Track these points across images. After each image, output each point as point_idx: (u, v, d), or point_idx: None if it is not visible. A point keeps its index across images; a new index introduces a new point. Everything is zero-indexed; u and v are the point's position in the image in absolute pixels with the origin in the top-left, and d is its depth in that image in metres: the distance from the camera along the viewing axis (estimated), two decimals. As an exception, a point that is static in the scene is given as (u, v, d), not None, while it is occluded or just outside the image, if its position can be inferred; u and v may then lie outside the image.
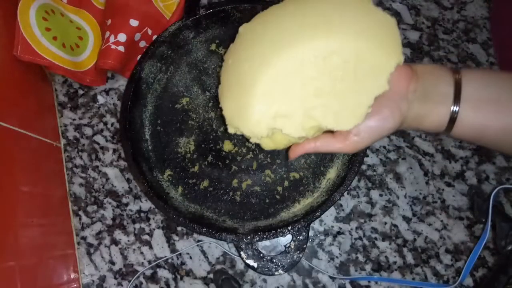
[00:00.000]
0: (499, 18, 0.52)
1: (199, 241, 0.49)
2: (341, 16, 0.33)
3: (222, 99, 0.37)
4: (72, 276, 0.48)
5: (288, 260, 0.42)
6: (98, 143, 0.52)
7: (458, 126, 0.32)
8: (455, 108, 0.32)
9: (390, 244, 0.48)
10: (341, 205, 0.50)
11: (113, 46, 0.47)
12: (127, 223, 0.50)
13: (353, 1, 0.34)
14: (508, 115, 0.31)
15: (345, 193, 0.48)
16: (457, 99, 0.31)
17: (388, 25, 0.34)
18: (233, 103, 0.36)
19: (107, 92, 0.54)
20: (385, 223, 0.49)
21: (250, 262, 0.42)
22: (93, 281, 0.49)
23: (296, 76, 0.33)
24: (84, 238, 0.50)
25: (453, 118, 0.32)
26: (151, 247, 0.49)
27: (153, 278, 0.49)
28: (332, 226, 0.49)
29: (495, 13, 0.53)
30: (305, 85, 0.33)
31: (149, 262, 0.49)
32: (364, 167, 0.50)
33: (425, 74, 0.33)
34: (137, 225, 0.50)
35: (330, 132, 0.34)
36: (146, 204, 0.50)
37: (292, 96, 0.33)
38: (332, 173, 0.47)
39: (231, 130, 0.37)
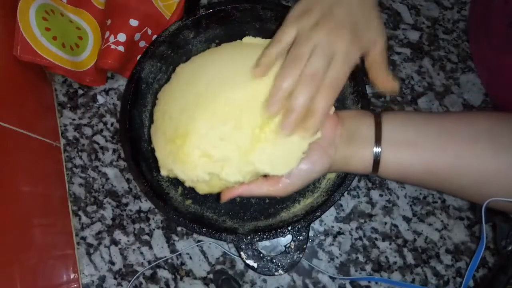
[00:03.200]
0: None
1: (199, 241, 0.49)
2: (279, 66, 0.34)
3: (155, 139, 0.37)
4: (72, 276, 0.48)
5: (288, 260, 0.42)
6: (98, 143, 0.52)
7: (382, 166, 0.35)
8: (377, 150, 0.34)
9: (390, 244, 0.48)
10: (341, 205, 0.50)
11: (113, 46, 0.47)
12: (127, 223, 0.50)
13: None
14: (425, 156, 0.33)
15: (345, 193, 0.48)
16: (378, 141, 0.34)
17: None
18: (167, 144, 0.35)
19: (107, 92, 0.54)
20: (385, 223, 0.49)
21: (250, 262, 0.42)
22: (93, 281, 0.49)
23: (233, 121, 0.33)
24: (83, 238, 0.50)
25: (376, 159, 0.34)
26: (151, 247, 0.49)
27: (153, 278, 0.49)
28: (332, 226, 0.49)
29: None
30: (242, 130, 0.33)
31: (149, 262, 0.49)
32: (364, 167, 0.50)
33: (349, 119, 0.36)
34: (137, 225, 0.50)
35: (263, 175, 0.35)
36: (146, 204, 0.50)
37: (229, 141, 0.33)
38: (332, 173, 0.47)
39: (163, 172, 0.36)
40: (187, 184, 0.35)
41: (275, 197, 0.36)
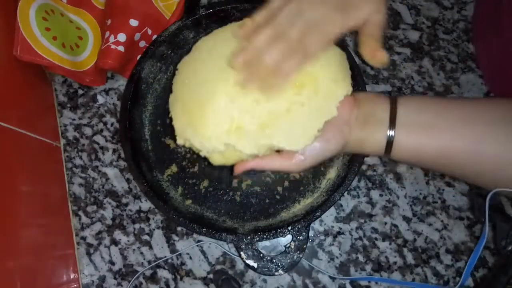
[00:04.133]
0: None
1: (199, 241, 0.49)
2: None
3: (173, 109, 0.37)
4: (72, 276, 0.48)
5: (288, 260, 0.42)
6: (98, 143, 0.52)
7: (395, 149, 0.35)
8: (391, 133, 0.34)
9: (390, 244, 0.48)
10: (341, 205, 0.50)
11: (113, 46, 0.47)
12: (127, 223, 0.50)
13: None
14: (442, 139, 0.33)
15: (345, 193, 0.48)
16: (392, 124, 0.34)
17: (340, 59, 0.37)
18: (185, 115, 0.36)
19: (107, 92, 0.54)
20: (385, 223, 0.49)
21: (250, 262, 0.42)
22: (93, 281, 0.49)
23: (253, 95, 0.34)
24: (83, 238, 0.50)
25: (390, 142, 0.34)
26: (151, 247, 0.49)
27: (153, 278, 0.49)
28: (332, 226, 0.49)
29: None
30: (260, 104, 0.34)
31: (149, 262, 0.49)
32: (364, 167, 0.50)
33: (365, 102, 0.36)
34: (137, 225, 0.50)
35: (277, 151, 0.36)
36: (146, 204, 0.50)
37: (247, 114, 0.34)
38: (332, 173, 0.47)
39: (180, 141, 0.36)
40: (202, 153, 0.36)
41: (287, 172, 0.37)
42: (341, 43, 0.46)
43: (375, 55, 0.34)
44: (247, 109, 0.34)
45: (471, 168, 0.34)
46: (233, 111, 0.34)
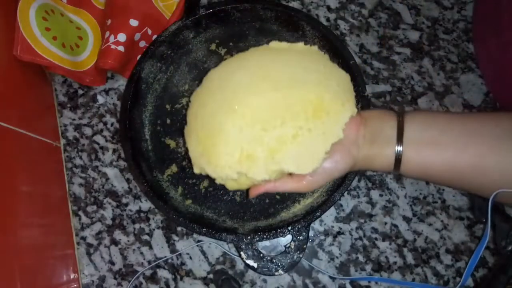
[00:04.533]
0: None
1: (199, 241, 0.49)
2: (305, 70, 0.37)
3: (188, 140, 0.39)
4: (72, 276, 0.48)
5: (288, 260, 0.42)
6: (98, 143, 0.52)
7: (404, 165, 0.36)
8: (399, 149, 0.35)
9: (390, 244, 0.48)
10: (341, 205, 0.50)
11: (113, 46, 0.47)
12: (127, 223, 0.50)
13: (314, 57, 0.39)
14: (448, 155, 0.34)
15: (345, 193, 0.48)
16: (400, 141, 0.35)
17: (344, 81, 0.38)
18: (199, 145, 0.38)
19: (107, 92, 0.54)
20: (385, 223, 0.49)
21: (250, 262, 0.42)
22: (93, 281, 0.49)
23: (260, 124, 0.36)
24: (83, 238, 0.50)
25: (398, 158, 0.35)
26: (151, 247, 0.49)
27: (153, 278, 0.49)
28: (332, 226, 0.49)
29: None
30: (268, 132, 0.35)
31: (149, 262, 0.49)
32: (364, 167, 0.50)
33: (372, 119, 0.37)
34: (137, 225, 0.50)
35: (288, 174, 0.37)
36: (146, 204, 0.50)
37: (256, 143, 0.35)
38: (332, 173, 0.47)
39: (196, 170, 0.39)
40: (218, 181, 0.38)
41: (298, 192, 0.39)
42: (341, 42, 0.47)
43: None
44: (255, 137, 0.35)
45: (476, 182, 0.34)
46: (242, 140, 0.36)
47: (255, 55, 0.40)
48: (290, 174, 0.37)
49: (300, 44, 0.40)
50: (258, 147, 0.35)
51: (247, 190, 0.40)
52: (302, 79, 0.37)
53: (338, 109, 0.36)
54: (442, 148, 0.34)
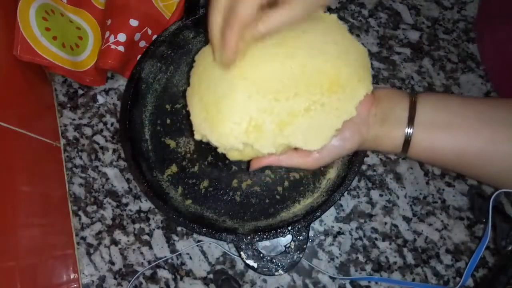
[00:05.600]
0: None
1: (199, 241, 0.49)
2: (323, 40, 0.34)
3: (191, 103, 0.36)
4: (72, 276, 0.48)
5: (288, 260, 0.42)
6: (98, 143, 0.52)
7: (413, 147, 0.35)
8: (409, 131, 0.34)
9: (390, 244, 0.48)
10: (341, 205, 0.50)
11: (113, 46, 0.47)
12: (127, 223, 0.50)
13: (332, 26, 0.35)
14: (459, 139, 0.33)
15: (345, 193, 0.48)
16: (410, 123, 0.34)
17: (362, 56, 0.35)
18: (203, 110, 0.35)
19: (107, 92, 0.54)
20: (385, 223, 0.49)
21: (250, 262, 0.42)
22: (93, 281, 0.49)
23: (273, 94, 0.33)
24: (83, 238, 0.50)
25: (407, 140, 0.34)
26: (151, 247, 0.49)
27: (153, 278, 0.49)
28: (332, 226, 0.49)
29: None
30: (280, 102, 0.33)
31: (149, 262, 0.49)
32: (364, 167, 0.50)
33: (384, 99, 0.36)
34: (137, 225, 0.50)
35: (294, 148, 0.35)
36: (146, 204, 0.50)
37: (265, 113, 0.33)
38: (332, 173, 0.47)
39: (197, 136, 0.36)
40: (220, 150, 0.35)
41: (303, 169, 0.36)
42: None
43: None
44: (266, 107, 0.33)
45: (485, 168, 0.34)
46: (251, 108, 0.33)
47: None
48: (296, 149, 0.36)
49: (319, 12, 0.36)
50: (267, 118, 0.33)
51: (249, 162, 0.38)
52: (320, 49, 0.33)
53: (354, 85, 0.33)
54: (454, 131, 0.33)
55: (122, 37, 0.48)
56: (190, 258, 0.49)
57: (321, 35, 0.34)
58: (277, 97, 0.33)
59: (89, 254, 0.49)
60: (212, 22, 0.33)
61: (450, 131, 0.33)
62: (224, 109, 0.33)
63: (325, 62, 0.33)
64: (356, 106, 0.33)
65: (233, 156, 0.36)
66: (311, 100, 0.33)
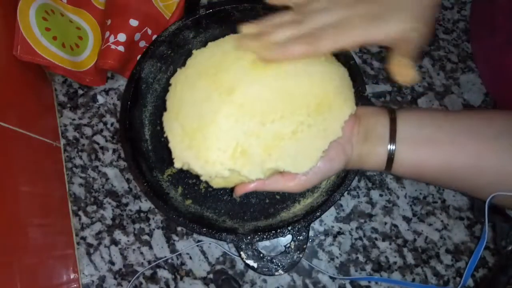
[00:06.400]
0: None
1: (199, 241, 0.49)
2: (307, 61, 0.33)
3: (170, 129, 0.34)
4: (72, 276, 0.48)
5: (288, 260, 0.42)
6: (98, 143, 0.52)
7: (397, 164, 0.35)
8: (392, 147, 0.34)
9: (390, 244, 0.48)
10: (341, 205, 0.50)
11: (113, 46, 0.47)
12: (127, 223, 0.50)
13: None
14: (443, 154, 0.33)
15: (345, 193, 0.48)
16: (392, 140, 0.34)
17: (344, 76, 0.35)
18: (185, 137, 0.33)
19: (107, 92, 0.54)
20: (385, 223, 0.49)
21: (250, 262, 0.42)
22: (93, 281, 0.49)
23: (259, 115, 0.32)
24: (83, 238, 0.50)
25: (390, 158, 0.34)
26: (151, 247, 0.49)
27: (153, 278, 0.49)
28: (332, 226, 0.49)
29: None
30: (266, 126, 0.32)
31: (149, 262, 0.49)
32: (364, 167, 0.50)
33: (365, 118, 0.36)
34: (137, 225, 0.50)
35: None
36: (146, 204, 0.50)
37: (252, 136, 0.32)
38: (332, 173, 0.47)
39: (177, 164, 0.34)
40: (203, 178, 0.34)
41: (290, 192, 0.36)
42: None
43: (401, 71, 0.33)
44: (252, 130, 0.32)
45: (471, 182, 0.34)
46: (238, 133, 0.32)
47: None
48: (281, 173, 0.34)
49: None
50: (254, 142, 0.32)
51: (232, 188, 0.36)
52: (306, 70, 0.33)
53: (340, 105, 0.33)
54: (437, 146, 0.33)
55: (122, 37, 0.48)
56: (190, 258, 0.49)
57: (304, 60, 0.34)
58: (263, 120, 0.32)
59: (89, 254, 0.49)
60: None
61: (433, 146, 0.33)
62: (211, 135, 0.32)
63: (312, 83, 0.33)
64: (342, 127, 0.33)
65: (217, 183, 0.34)
66: (298, 122, 0.32)
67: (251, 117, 0.32)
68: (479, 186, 0.34)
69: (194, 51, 0.36)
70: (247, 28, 0.34)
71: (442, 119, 0.34)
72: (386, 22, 0.30)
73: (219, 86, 0.32)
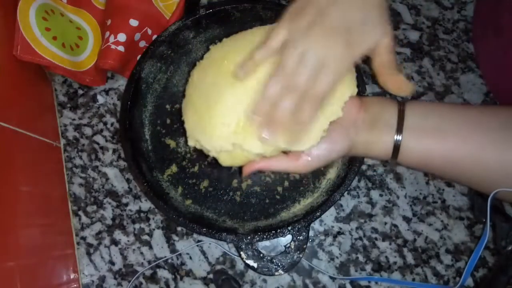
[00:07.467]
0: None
1: (199, 241, 0.49)
2: None
3: (185, 112, 0.38)
4: (72, 276, 0.48)
5: (288, 260, 0.42)
6: (98, 143, 0.52)
7: (403, 153, 0.35)
8: (398, 137, 0.34)
9: (390, 244, 0.48)
10: (341, 205, 0.50)
11: (113, 46, 0.47)
12: (127, 223, 0.50)
13: None
14: (446, 144, 0.34)
15: (345, 193, 0.48)
16: (399, 128, 0.34)
17: (350, 71, 0.36)
18: (196, 116, 0.37)
19: (107, 92, 0.54)
20: (385, 223, 0.49)
21: (250, 262, 0.42)
22: (93, 281, 0.49)
23: (258, 95, 0.34)
24: (83, 238, 0.50)
25: (397, 146, 0.35)
26: (151, 247, 0.49)
27: (153, 278, 0.49)
28: (332, 226, 0.49)
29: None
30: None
31: (149, 262, 0.49)
32: (364, 167, 0.50)
33: (373, 105, 0.37)
34: (137, 225, 0.50)
35: (284, 152, 0.36)
36: (146, 204, 0.50)
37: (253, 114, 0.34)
38: (332, 173, 0.47)
39: (191, 142, 0.37)
40: (212, 154, 0.36)
41: (294, 173, 0.37)
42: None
43: (399, 86, 0.34)
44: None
45: (475, 174, 0.34)
46: (240, 110, 0.34)
47: (256, 35, 0.38)
48: (286, 153, 0.36)
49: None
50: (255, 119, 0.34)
51: (241, 169, 0.38)
52: None
53: (338, 87, 0.34)
54: (443, 136, 0.33)
55: (122, 37, 0.48)
56: (190, 258, 0.49)
57: None
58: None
59: (89, 254, 0.49)
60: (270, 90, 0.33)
61: (439, 136, 0.34)
62: (215, 113, 0.35)
63: None
64: (343, 108, 0.35)
65: (224, 160, 0.37)
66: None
67: (251, 96, 0.34)
68: (483, 179, 0.34)
69: (211, 47, 0.39)
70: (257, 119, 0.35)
71: (448, 110, 0.35)
72: (362, 37, 0.32)
73: (225, 71, 0.36)
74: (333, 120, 0.34)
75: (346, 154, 0.37)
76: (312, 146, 0.34)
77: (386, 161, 0.44)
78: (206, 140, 0.35)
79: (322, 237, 0.49)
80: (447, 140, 0.34)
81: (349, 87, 0.35)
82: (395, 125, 0.34)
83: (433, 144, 0.34)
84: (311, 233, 0.49)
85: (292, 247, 0.43)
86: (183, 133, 0.49)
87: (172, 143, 0.49)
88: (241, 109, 0.34)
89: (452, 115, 0.34)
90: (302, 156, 0.35)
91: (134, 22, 0.48)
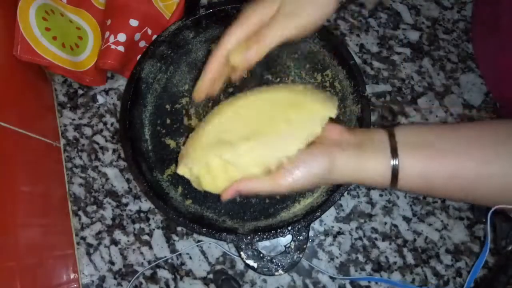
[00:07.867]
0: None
1: (199, 241, 0.49)
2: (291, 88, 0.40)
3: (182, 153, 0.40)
4: (72, 276, 0.48)
5: (288, 260, 0.42)
6: (97, 143, 0.52)
7: (402, 178, 0.33)
8: (395, 162, 0.33)
9: (390, 244, 0.48)
10: (341, 205, 0.50)
11: (113, 46, 0.47)
12: (127, 223, 0.50)
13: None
14: (449, 164, 0.32)
15: (345, 193, 0.48)
16: (394, 151, 0.33)
17: (333, 97, 0.39)
18: (183, 149, 0.39)
19: (107, 92, 0.54)
20: (385, 223, 0.49)
21: (250, 262, 0.42)
22: (93, 281, 0.49)
23: (243, 120, 0.37)
24: (83, 238, 0.50)
25: (395, 170, 0.33)
26: (151, 247, 0.49)
27: (153, 278, 0.49)
28: (332, 226, 0.49)
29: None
30: (247, 125, 0.37)
31: (149, 262, 0.49)
32: (364, 167, 0.50)
33: (358, 130, 0.37)
34: (136, 225, 0.50)
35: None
36: (146, 204, 0.50)
37: (233, 132, 0.37)
38: (332, 173, 0.47)
39: (179, 170, 0.38)
40: (193, 179, 0.38)
41: (276, 194, 0.37)
42: (341, 42, 0.46)
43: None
44: (234, 129, 0.37)
45: (482, 190, 0.33)
46: (221, 132, 0.37)
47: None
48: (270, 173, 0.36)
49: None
50: (235, 135, 0.36)
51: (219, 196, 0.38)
52: (287, 87, 0.39)
53: (317, 108, 0.36)
54: (441, 155, 0.32)
55: (122, 37, 0.48)
56: (190, 258, 0.49)
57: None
58: (245, 122, 0.37)
59: (89, 254, 0.49)
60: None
61: (438, 155, 0.33)
62: (198, 138, 0.38)
63: (282, 95, 0.38)
64: (323, 127, 0.35)
65: (206, 183, 0.37)
66: (277, 119, 0.36)
67: (234, 121, 0.38)
68: (488, 194, 0.33)
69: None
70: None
71: (441, 130, 0.35)
72: (299, 16, 0.36)
73: (209, 116, 0.39)
74: (313, 140, 0.35)
75: (328, 176, 0.35)
76: (291, 156, 0.34)
77: (384, 188, 0.43)
78: (190, 160, 0.37)
79: (322, 237, 0.49)
80: (447, 159, 0.32)
81: (329, 108, 0.36)
82: (388, 147, 0.33)
83: (432, 164, 0.33)
84: (311, 233, 0.49)
85: (292, 247, 0.43)
86: (183, 133, 0.50)
87: (172, 143, 0.49)
88: (221, 131, 0.37)
89: (447, 133, 0.34)
90: (285, 175, 0.34)
91: (134, 22, 0.48)
